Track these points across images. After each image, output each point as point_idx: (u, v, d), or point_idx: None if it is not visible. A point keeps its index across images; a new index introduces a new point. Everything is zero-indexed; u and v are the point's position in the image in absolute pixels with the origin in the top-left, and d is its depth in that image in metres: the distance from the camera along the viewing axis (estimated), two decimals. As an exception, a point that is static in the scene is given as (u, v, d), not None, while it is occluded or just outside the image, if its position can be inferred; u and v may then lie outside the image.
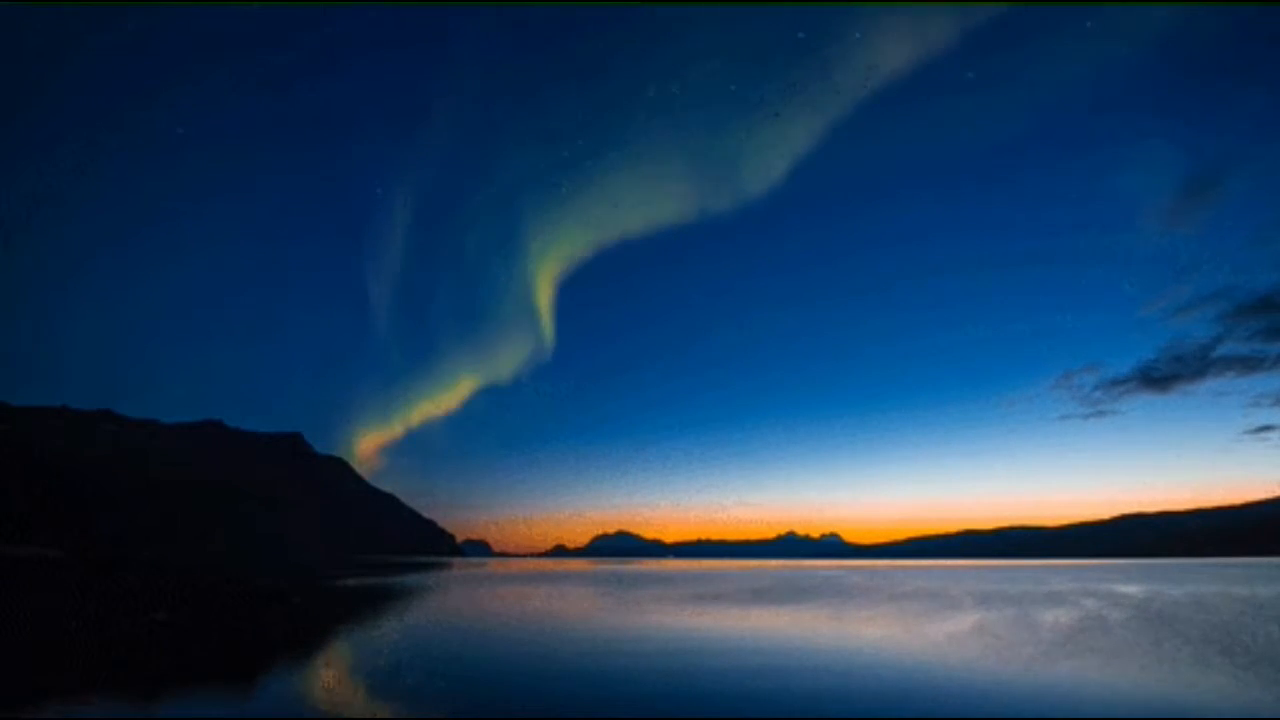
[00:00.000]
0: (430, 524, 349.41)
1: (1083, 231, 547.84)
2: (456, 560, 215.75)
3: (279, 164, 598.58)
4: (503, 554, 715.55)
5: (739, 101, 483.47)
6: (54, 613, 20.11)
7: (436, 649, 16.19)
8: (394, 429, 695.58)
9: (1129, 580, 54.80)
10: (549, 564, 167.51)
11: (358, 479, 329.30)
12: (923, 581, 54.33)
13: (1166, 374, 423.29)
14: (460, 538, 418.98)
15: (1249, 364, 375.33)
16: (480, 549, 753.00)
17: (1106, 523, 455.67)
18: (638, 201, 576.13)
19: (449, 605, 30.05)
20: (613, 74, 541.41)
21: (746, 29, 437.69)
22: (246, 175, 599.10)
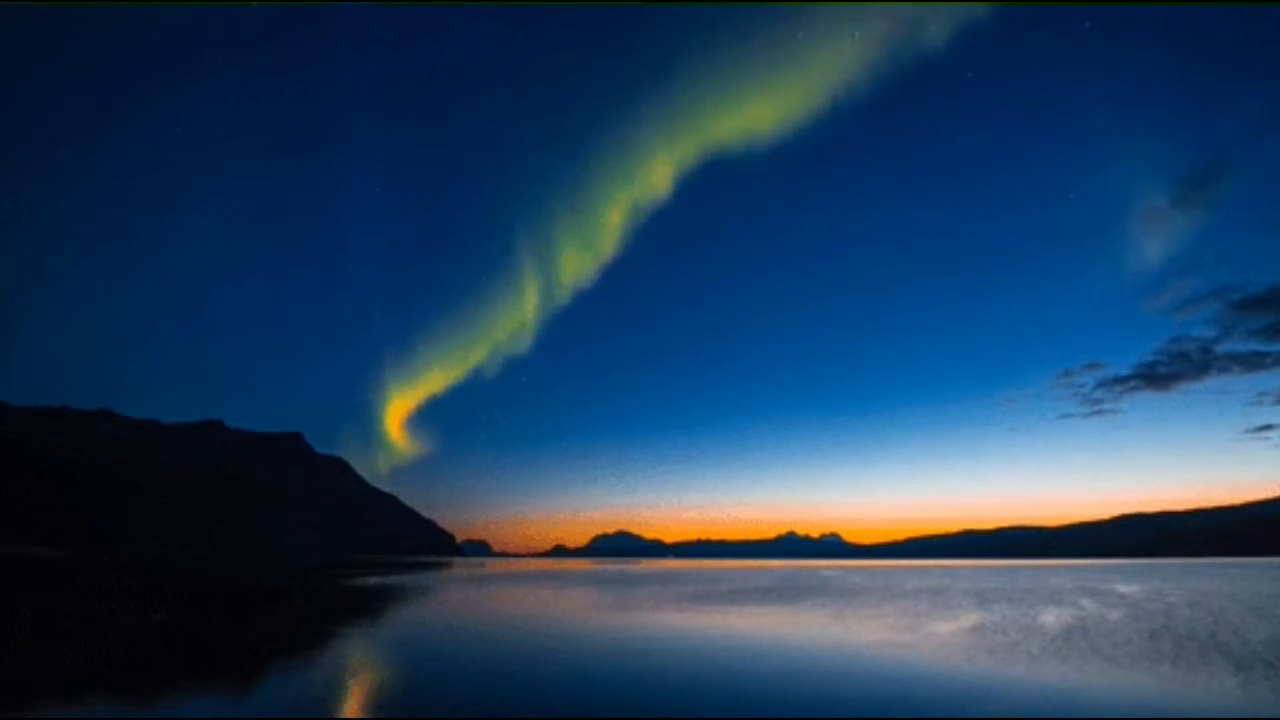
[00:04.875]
0: (430, 524, 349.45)
1: (1083, 229, 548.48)
2: (456, 560, 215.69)
3: (278, 163, 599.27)
4: (503, 554, 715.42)
5: (739, 99, 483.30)
6: (54, 613, 20.12)
7: (436, 649, 16.19)
8: (393, 427, 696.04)
9: (1129, 580, 54.79)
10: (549, 564, 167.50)
11: (358, 479, 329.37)
12: (923, 581, 54.33)
13: (1167, 372, 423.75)
14: (460, 538, 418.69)
15: (1250, 362, 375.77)
16: (480, 549, 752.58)
17: (1106, 523, 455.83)
18: (633, 200, 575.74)
19: (449, 605, 30.05)
20: (602, 62, 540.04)
21: (747, 27, 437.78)
22: (245, 175, 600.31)
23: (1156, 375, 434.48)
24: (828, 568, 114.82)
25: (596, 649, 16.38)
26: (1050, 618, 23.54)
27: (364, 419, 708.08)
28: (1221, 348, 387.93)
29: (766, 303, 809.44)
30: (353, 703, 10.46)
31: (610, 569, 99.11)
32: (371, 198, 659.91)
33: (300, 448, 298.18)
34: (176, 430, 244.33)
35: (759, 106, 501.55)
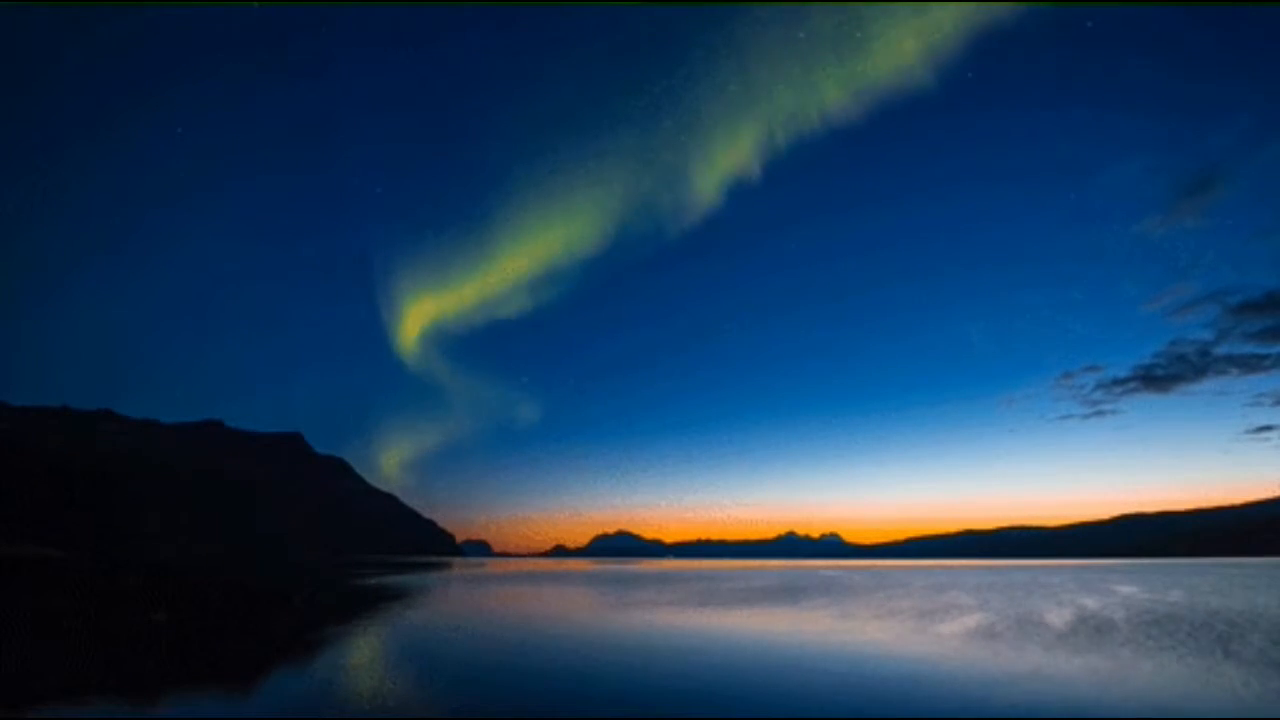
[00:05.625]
0: (430, 524, 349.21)
1: (1082, 230, 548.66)
2: (456, 560, 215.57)
3: (278, 163, 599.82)
4: (503, 554, 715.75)
5: (739, 98, 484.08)
6: (54, 613, 20.12)
7: (436, 649, 16.18)
8: (393, 426, 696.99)
9: (1129, 580, 54.80)
10: (549, 564, 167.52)
11: (358, 479, 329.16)
12: (923, 581, 54.33)
13: (1167, 374, 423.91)
14: (460, 538, 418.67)
15: (1249, 363, 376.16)
16: (480, 549, 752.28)
17: (1106, 523, 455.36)
18: (635, 200, 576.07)
19: (449, 605, 30.04)
20: (608, 64, 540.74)
21: (749, 28, 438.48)
22: (246, 175, 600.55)
23: (1155, 377, 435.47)
24: (828, 568, 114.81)
25: (596, 649, 16.37)
26: (1052, 617, 23.54)
27: (364, 419, 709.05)
28: (1219, 350, 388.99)
29: (767, 303, 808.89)
30: (352, 703, 10.44)
31: (610, 569, 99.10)
32: (371, 198, 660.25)
33: (300, 448, 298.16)
34: (176, 430, 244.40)
35: (761, 110, 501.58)
